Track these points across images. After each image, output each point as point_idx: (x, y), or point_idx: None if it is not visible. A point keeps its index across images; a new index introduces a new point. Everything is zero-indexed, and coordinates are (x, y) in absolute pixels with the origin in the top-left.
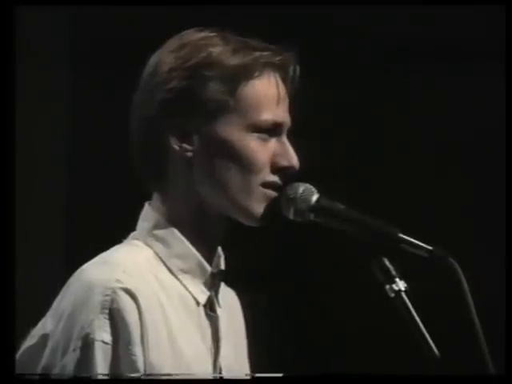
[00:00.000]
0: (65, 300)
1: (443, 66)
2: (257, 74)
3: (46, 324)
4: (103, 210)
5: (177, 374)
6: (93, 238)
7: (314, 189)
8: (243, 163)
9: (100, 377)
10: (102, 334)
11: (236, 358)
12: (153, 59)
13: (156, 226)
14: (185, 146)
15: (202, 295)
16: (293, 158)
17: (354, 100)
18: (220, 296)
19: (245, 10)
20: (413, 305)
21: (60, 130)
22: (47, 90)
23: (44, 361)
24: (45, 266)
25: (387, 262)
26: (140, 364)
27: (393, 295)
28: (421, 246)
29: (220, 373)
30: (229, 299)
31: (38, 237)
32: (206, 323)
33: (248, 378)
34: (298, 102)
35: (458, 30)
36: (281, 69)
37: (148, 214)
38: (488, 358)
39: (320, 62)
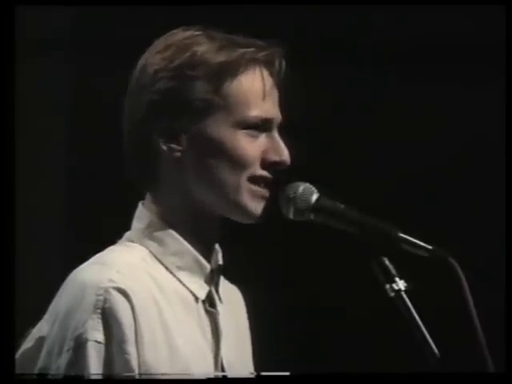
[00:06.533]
0: (60, 301)
1: (442, 67)
2: (242, 70)
3: (42, 327)
4: (103, 210)
5: (171, 374)
6: (92, 237)
7: (313, 188)
8: (233, 160)
9: (95, 376)
10: (95, 333)
11: (239, 355)
12: (140, 61)
13: (150, 226)
14: (173, 146)
15: (201, 291)
16: (283, 153)
17: (356, 99)
18: (221, 291)
19: (244, 9)
20: (412, 304)
21: (60, 130)
22: (47, 90)
23: (40, 363)
24: (45, 266)
25: (387, 262)
26: (134, 363)
27: (393, 294)
28: (421, 246)
29: (222, 369)
30: (231, 295)
31: (37, 237)
32: (205, 319)
33: (244, 377)
34: (297, 100)
35: (457, 30)
36: (266, 64)
37: (141, 214)
38: (488, 357)
39: (322, 59)
